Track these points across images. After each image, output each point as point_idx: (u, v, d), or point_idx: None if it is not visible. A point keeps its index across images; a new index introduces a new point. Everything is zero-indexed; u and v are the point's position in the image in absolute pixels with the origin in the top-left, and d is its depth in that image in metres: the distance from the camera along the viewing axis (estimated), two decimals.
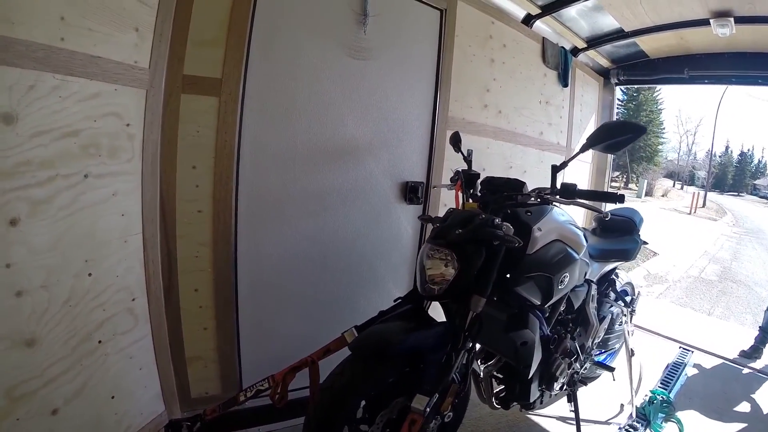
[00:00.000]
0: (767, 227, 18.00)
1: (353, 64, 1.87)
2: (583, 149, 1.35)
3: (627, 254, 2.12)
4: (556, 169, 1.45)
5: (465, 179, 1.66)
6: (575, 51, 2.97)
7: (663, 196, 29.68)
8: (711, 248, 11.67)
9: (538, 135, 2.70)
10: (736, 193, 43.85)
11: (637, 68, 3.27)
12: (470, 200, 1.61)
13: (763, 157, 50.74)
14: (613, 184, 32.18)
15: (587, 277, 1.81)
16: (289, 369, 1.46)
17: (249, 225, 1.73)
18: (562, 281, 1.51)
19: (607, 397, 2.31)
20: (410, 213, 2.17)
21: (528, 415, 2.10)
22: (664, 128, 35.87)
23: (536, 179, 2.71)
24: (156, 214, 1.51)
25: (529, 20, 2.59)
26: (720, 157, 49.20)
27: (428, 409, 1.19)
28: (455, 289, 1.31)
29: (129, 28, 1.33)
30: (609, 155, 3.54)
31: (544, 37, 2.67)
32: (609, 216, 1.38)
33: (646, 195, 26.59)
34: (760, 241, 14.13)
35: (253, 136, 1.68)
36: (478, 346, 1.74)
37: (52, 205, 1.18)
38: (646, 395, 2.32)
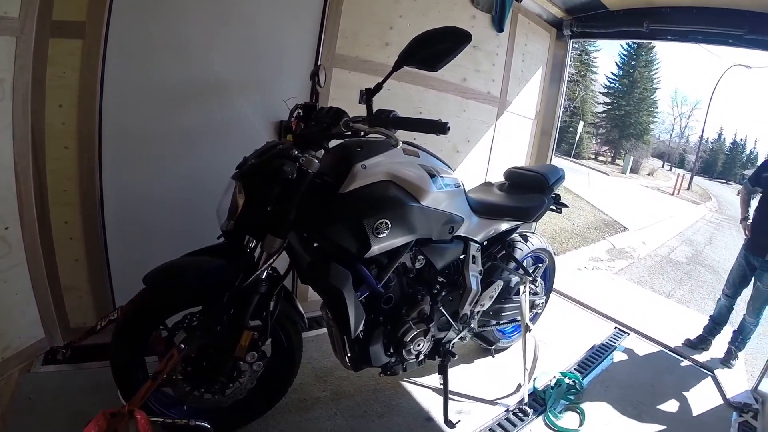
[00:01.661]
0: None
1: None
2: (397, 66, 1.63)
3: (525, 213, 2.53)
4: (370, 94, 1.72)
5: (304, 112, 1.98)
6: None
7: (649, 174, 36.97)
8: (687, 231, 13.83)
9: (459, 81, 3.37)
10: (724, 181, 57.34)
11: (594, 20, 3.82)
12: (288, 134, 2.07)
13: (755, 148, 63.55)
14: (600, 158, 42.13)
15: (462, 233, 2.21)
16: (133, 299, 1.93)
17: (114, 162, 2.52)
18: (378, 228, 1.79)
19: (507, 375, 2.77)
20: None
21: (401, 381, 2.59)
22: (657, 107, 47.64)
23: (458, 130, 3.41)
24: (28, 149, 2.31)
25: None
26: (712, 143, 62.41)
27: (183, 346, 1.64)
28: (245, 223, 1.68)
29: None
30: (557, 114, 4.12)
31: None
32: (398, 143, 1.69)
33: (630, 172, 33.01)
34: (740, 229, 14.27)
35: (116, 76, 2.43)
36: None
37: None
38: (553, 377, 2.79)
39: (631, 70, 44.02)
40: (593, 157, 42.42)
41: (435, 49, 1.53)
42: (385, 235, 1.80)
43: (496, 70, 3.55)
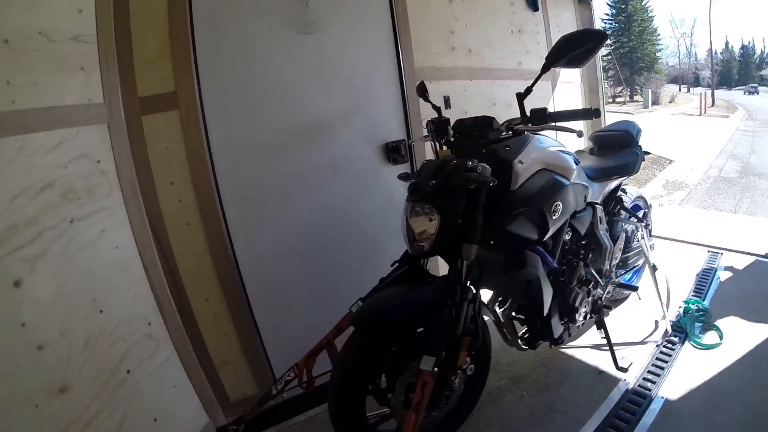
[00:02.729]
0: None
1: (305, 40, 1.86)
2: (545, 69, 1.32)
3: (628, 169, 2.12)
4: (521, 97, 1.41)
5: (435, 127, 1.60)
6: None
7: (670, 102, 29.42)
8: (727, 146, 11.38)
9: (517, 66, 2.65)
10: (752, 90, 41.55)
11: None
12: (444, 147, 1.57)
13: (765, 47, 51.10)
14: (618, 99, 32.75)
15: (589, 199, 1.82)
16: (309, 354, 1.58)
17: (240, 225, 1.80)
18: (555, 211, 1.52)
19: (640, 317, 2.33)
20: (398, 172, 2.19)
21: (561, 350, 2.15)
22: (658, 35, 36.45)
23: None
24: (148, 237, 1.59)
25: None
26: (722, 53, 49.38)
27: (437, 369, 1.25)
28: (443, 241, 1.34)
29: (74, 69, 1.35)
30: (598, 71, 3.44)
31: None
32: (582, 134, 1.40)
33: (653, 104, 26.34)
34: None
35: (221, 137, 1.72)
36: (490, 292, 1.81)
37: (47, 258, 1.26)
38: (680, 307, 2.32)
39: (623, 6, 34.34)
40: (611, 100, 31.78)
41: (579, 50, 1.25)
42: (557, 216, 1.54)
43: (542, 47, 2.85)
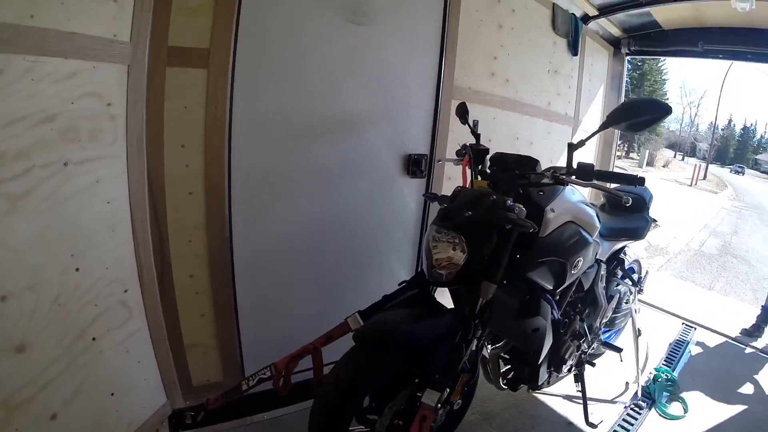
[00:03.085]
0: (766, 204, 17.94)
1: (353, 30, 1.74)
2: (603, 127, 1.28)
3: (637, 233, 2.12)
4: (572, 148, 1.36)
5: (473, 155, 1.56)
6: (586, 18, 2.83)
7: (664, 166, 29.78)
8: (712, 221, 11.60)
9: (545, 105, 2.62)
10: (738, 170, 41.50)
11: (649, 39, 3.14)
12: (479, 178, 1.52)
13: (766, 132, 50.95)
14: (616, 153, 32.42)
15: (598, 256, 1.78)
16: (292, 357, 1.46)
17: (244, 205, 1.66)
18: (575, 266, 1.49)
19: (609, 375, 2.33)
20: (413, 187, 2.12)
21: (535, 395, 2.13)
22: (667, 98, 35.18)
23: (544, 152, 2.67)
24: (144, 198, 1.44)
25: None
26: (722, 130, 49.22)
27: (439, 405, 1.19)
28: (464, 274, 1.27)
29: None
30: (616, 136, 3.48)
31: (554, 3, 2.53)
32: (630, 201, 1.32)
33: (647, 165, 26.84)
34: (761, 217, 14.23)
35: (245, 110, 1.58)
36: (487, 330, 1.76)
37: (31, 199, 1.10)
38: (650, 373, 2.35)
39: (639, 63, 32.86)
40: None
41: (642, 118, 1.20)
42: (576, 271, 1.51)
43: (572, 92, 2.84)
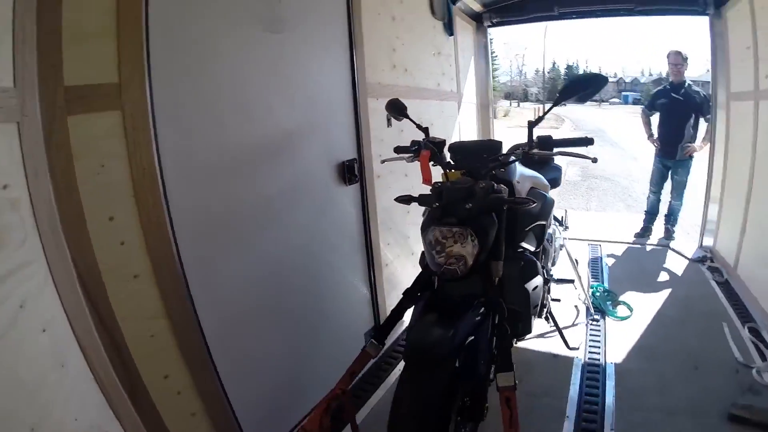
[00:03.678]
0: (605, 126, 21.20)
1: (271, 40, 1.54)
2: (558, 102, 1.39)
3: (557, 181, 2.32)
4: (531, 125, 1.46)
5: (433, 145, 1.52)
6: None
7: (504, 116, 31.43)
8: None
9: (436, 86, 2.78)
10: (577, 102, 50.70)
11: (507, 10, 3.43)
12: (450, 170, 1.50)
13: (587, 67, 60.30)
14: None
15: None
16: (323, 411, 1.29)
17: (200, 270, 1.33)
18: (550, 224, 1.66)
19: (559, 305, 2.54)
20: (350, 194, 2.03)
21: (517, 346, 2.20)
22: (496, 55, 40.22)
23: (441, 130, 2.82)
24: (82, 305, 1.01)
25: None
26: (549, 72, 54.75)
27: (517, 382, 1.21)
28: (476, 263, 1.28)
29: None
30: (490, 92, 3.85)
31: None
32: (597, 160, 1.47)
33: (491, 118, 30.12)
34: (603, 138, 16.29)
35: (174, 153, 1.24)
36: None
37: None
38: (589, 290, 2.70)
39: None
40: None
41: (587, 90, 1.31)
42: (551, 228, 1.72)
43: (452, 69, 3.03)
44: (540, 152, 1.46)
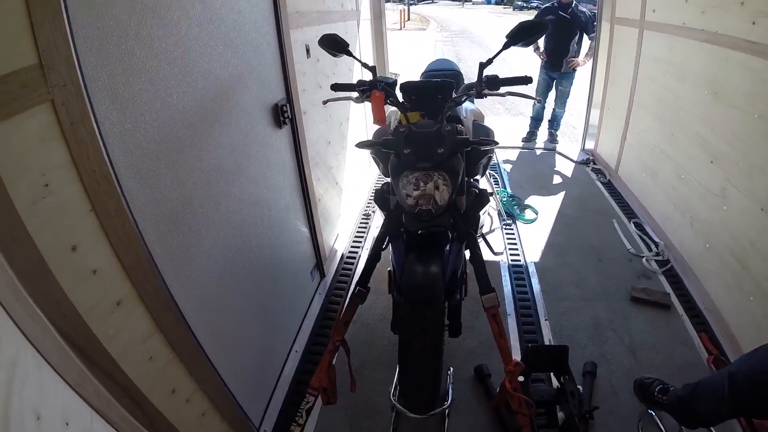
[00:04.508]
0: (468, 25, 20.55)
1: None
2: (505, 47, 1.38)
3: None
4: (482, 66, 1.46)
5: (386, 86, 1.49)
6: None
7: None
8: (436, 55, 11.70)
9: (340, 7, 2.50)
10: (430, 1, 44.65)
11: None
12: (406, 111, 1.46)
13: None
14: None
15: None
16: (327, 365, 1.40)
17: (172, 268, 1.16)
18: (493, 152, 1.80)
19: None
20: (284, 136, 1.87)
21: None
22: None
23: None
24: (70, 358, 0.82)
25: None
26: None
27: (498, 301, 1.40)
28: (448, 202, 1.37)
29: None
30: (382, 3, 3.58)
31: None
32: (542, 100, 1.61)
33: None
34: (471, 39, 15.90)
35: (123, 144, 0.97)
36: None
37: None
38: (497, 196, 2.94)
39: None
40: None
41: (530, 36, 1.34)
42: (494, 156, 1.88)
43: None
44: (490, 92, 1.49)
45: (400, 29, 19.39)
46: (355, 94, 1.55)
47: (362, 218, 2.99)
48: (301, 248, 2.13)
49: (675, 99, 2.49)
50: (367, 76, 1.57)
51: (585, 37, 3.82)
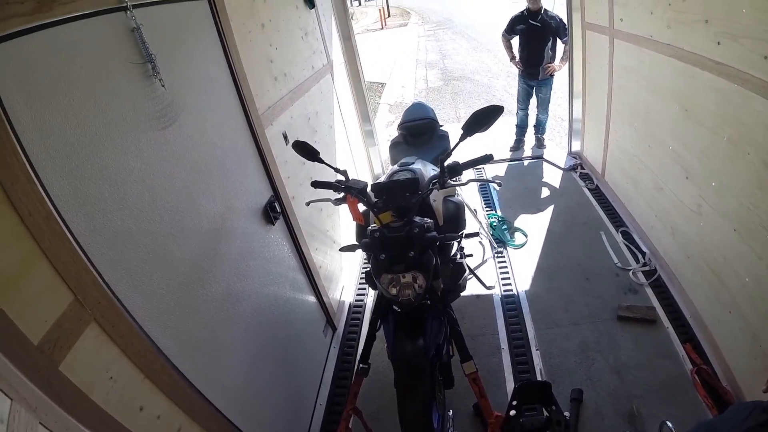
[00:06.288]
0: (449, 13, 19.70)
1: (165, 134, 1.33)
2: (462, 139, 1.48)
3: (448, 148, 2.32)
4: (442, 160, 1.60)
5: (358, 192, 1.66)
6: None
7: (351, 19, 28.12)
8: (419, 55, 11.64)
9: (312, 71, 2.62)
10: None
11: None
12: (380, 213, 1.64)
13: None
14: None
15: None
16: (344, 429, 1.70)
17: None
18: (465, 217, 2.00)
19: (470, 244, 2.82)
20: (278, 229, 2.04)
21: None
22: None
23: (324, 115, 2.78)
24: None
25: None
26: None
27: (477, 367, 1.66)
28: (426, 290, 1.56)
29: None
30: (349, 22, 3.65)
31: None
32: (501, 183, 1.79)
33: None
34: (454, 30, 15.11)
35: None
36: None
37: None
38: (487, 221, 2.98)
39: None
40: None
41: (487, 123, 1.43)
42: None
43: (319, 42, 2.82)
44: (453, 183, 1.67)
45: (382, 28, 19.12)
46: (334, 195, 1.73)
47: (364, 262, 3.07)
48: (312, 315, 2.32)
49: (647, 111, 2.48)
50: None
51: (558, 41, 3.82)
